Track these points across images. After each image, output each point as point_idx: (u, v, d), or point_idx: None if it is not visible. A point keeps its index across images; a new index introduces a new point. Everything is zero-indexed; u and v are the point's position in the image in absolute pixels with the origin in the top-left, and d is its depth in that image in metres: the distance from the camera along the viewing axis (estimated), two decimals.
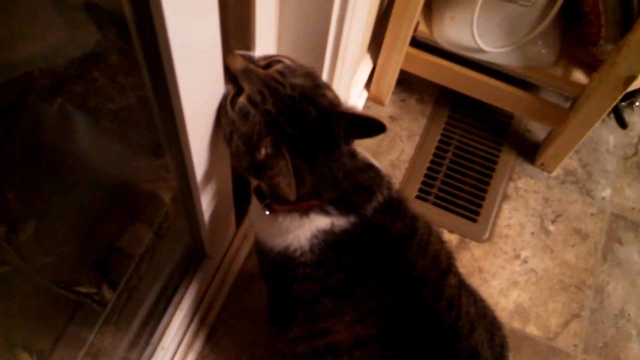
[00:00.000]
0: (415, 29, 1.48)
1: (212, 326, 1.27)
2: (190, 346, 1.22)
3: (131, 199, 1.23)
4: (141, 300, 1.15)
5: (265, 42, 0.91)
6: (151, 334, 1.13)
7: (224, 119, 0.81)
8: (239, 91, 0.79)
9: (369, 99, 1.66)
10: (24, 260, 1.06)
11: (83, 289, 1.14)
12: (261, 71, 0.80)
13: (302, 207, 0.85)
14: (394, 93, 1.67)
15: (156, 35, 0.61)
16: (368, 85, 1.64)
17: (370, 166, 0.90)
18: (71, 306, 1.14)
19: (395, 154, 1.59)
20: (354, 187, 0.86)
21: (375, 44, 1.59)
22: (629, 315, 1.43)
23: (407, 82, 1.68)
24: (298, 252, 0.86)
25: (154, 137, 0.97)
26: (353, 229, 0.85)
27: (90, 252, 1.18)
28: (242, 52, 0.82)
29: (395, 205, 0.89)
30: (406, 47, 1.48)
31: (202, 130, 0.82)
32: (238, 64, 0.79)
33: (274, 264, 0.92)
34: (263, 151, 0.78)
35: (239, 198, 1.23)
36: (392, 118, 1.65)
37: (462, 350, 0.86)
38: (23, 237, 1.06)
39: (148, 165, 1.21)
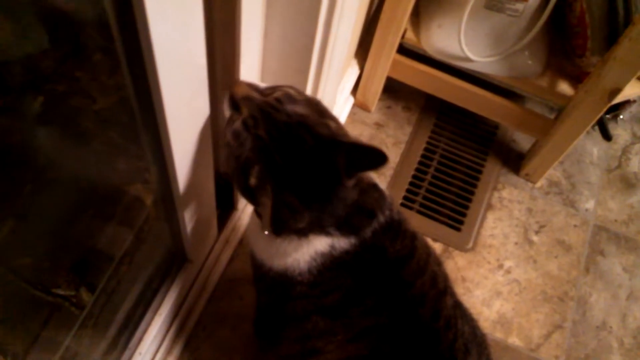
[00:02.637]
0: (403, 36, 1.48)
1: (191, 332, 1.25)
2: (168, 352, 1.20)
3: (112, 200, 1.21)
4: (119, 304, 1.13)
5: (251, 46, 0.90)
6: (129, 339, 1.11)
7: (223, 141, 0.82)
8: (237, 116, 0.79)
9: (355, 105, 1.66)
10: None
11: (61, 291, 1.12)
12: (259, 97, 0.79)
13: (302, 230, 0.83)
14: (380, 100, 1.67)
15: (141, 50, 0.61)
16: (354, 91, 1.63)
17: (374, 186, 0.88)
18: (48, 309, 1.11)
19: None
20: (357, 209, 0.83)
21: (362, 50, 1.59)
22: (610, 327, 1.43)
23: (393, 89, 1.68)
24: (296, 273, 0.85)
25: (136, 139, 0.96)
26: (353, 249, 0.83)
27: (69, 253, 1.16)
28: (248, 81, 0.82)
29: (396, 227, 0.88)
30: (393, 54, 1.48)
31: (185, 137, 0.81)
32: (241, 91, 0.79)
33: (271, 282, 0.90)
34: (252, 180, 0.77)
35: (222, 202, 1.21)
36: (378, 125, 1.64)
37: None
38: None
39: (130, 167, 1.19)
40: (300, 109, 0.79)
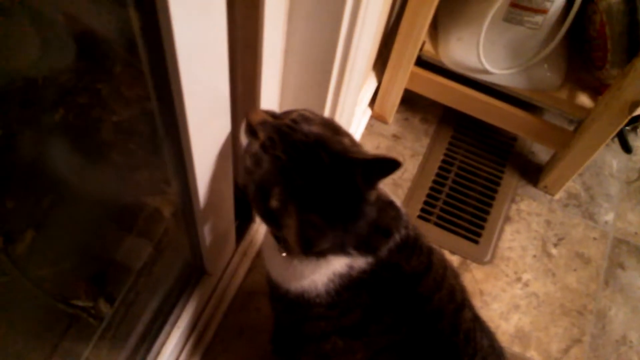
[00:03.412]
0: (421, 49, 1.48)
1: (208, 345, 1.25)
2: None
3: (131, 212, 1.21)
4: (138, 316, 1.13)
5: (272, 62, 0.90)
6: (147, 351, 1.12)
7: (242, 167, 0.82)
8: (255, 141, 0.80)
9: (372, 117, 1.66)
10: (20, 272, 1.05)
11: (80, 303, 1.13)
12: (275, 120, 0.80)
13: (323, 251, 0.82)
14: (397, 112, 1.66)
15: (167, 69, 0.61)
16: (372, 103, 1.63)
17: (390, 204, 0.87)
18: (67, 320, 1.12)
19: (398, 173, 1.58)
20: (374, 228, 0.82)
21: (381, 63, 1.59)
22: (630, 341, 1.42)
23: (411, 101, 1.67)
24: (314, 294, 0.84)
25: (157, 152, 0.96)
26: (370, 269, 0.82)
27: (88, 264, 1.17)
28: (264, 109, 0.83)
29: (412, 243, 0.87)
30: (411, 67, 1.48)
31: (206, 153, 0.82)
32: (258, 117, 0.80)
33: (288, 304, 0.89)
34: (273, 203, 0.77)
35: (240, 214, 1.22)
36: (395, 137, 1.64)
37: None
38: (20, 248, 1.04)
39: (149, 178, 1.20)
40: (315, 128, 0.79)
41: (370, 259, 0.82)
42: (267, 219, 0.81)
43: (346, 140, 0.80)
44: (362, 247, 0.82)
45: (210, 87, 0.72)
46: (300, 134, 0.78)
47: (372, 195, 0.80)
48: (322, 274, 0.82)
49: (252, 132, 0.80)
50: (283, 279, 0.89)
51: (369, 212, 0.80)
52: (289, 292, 0.87)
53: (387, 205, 0.86)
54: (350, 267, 0.82)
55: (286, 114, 0.82)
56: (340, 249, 0.81)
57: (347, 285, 0.83)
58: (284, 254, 0.86)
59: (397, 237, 0.84)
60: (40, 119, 1.04)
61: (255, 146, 0.79)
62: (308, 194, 0.76)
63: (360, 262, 0.82)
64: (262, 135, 0.79)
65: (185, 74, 0.62)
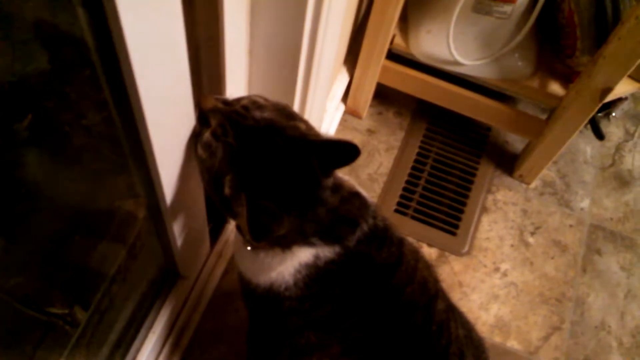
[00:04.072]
0: (392, 42, 1.47)
1: (186, 349, 1.23)
2: None
3: (103, 217, 1.19)
4: (113, 322, 1.11)
5: (236, 59, 0.89)
6: (123, 358, 1.10)
7: (195, 156, 0.81)
8: (206, 129, 0.79)
9: (346, 112, 1.65)
10: None
11: (55, 310, 1.11)
12: (226, 107, 0.79)
13: (284, 241, 0.82)
14: (371, 106, 1.66)
15: (119, 64, 0.60)
16: (345, 98, 1.62)
17: (356, 195, 0.87)
18: (42, 328, 1.10)
19: (374, 168, 1.58)
20: (338, 218, 0.82)
21: (352, 57, 1.58)
22: (609, 327, 1.42)
23: (384, 95, 1.67)
24: (283, 287, 0.83)
25: (123, 154, 0.95)
26: (338, 259, 0.82)
27: (62, 271, 1.15)
28: (216, 95, 0.82)
29: (381, 234, 0.86)
30: (382, 60, 1.47)
31: (171, 154, 0.80)
32: (209, 104, 0.79)
33: (260, 300, 0.89)
34: (227, 190, 0.77)
35: (213, 216, 1.20)
36: (370, 131, 1.64)
37: None
38: None
39: (121, 182, 1.18)
40: (267, 114, 0.79)
41: (337, 249, 0.82)
42: (224, 208, 0.81)
43: (302, 125, 0.80)
44: (327, 237, 0.81)
45: (169, 84, 0.70)
46: (251, 120, 0.77)
47: (329, 182, 0.80)
48: (288, 265, 0.82)
49: (204, 119, 0.80)
50: (252, 273, 0.88)
51: (327, 199, 0.80)
52: (259, 287, 0.87)
53: (352, 195, 0.86)
54: (317, 257, 0.81)
55: (237, 100, 0.81)
56: (301, 238, 0.80)
57: (316, 277, 0.82)
58: (248, 248, 0.86)
59: (364, 227, 0.84)
60: (7, 125, 1.01)
61: (207, 134, 0.78)
62: (260, 181, 0.76)
63: (326, 252, 0.81)
64: (213, 122, 0.78)
65: (138, 66, 0.60)
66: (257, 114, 0.78)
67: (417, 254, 0.90)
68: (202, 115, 0.80)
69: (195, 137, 0.81)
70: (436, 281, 0.91)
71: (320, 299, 0.83)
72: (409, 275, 0.86)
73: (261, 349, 0.96)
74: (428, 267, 0.91)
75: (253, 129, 0.77)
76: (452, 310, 0.92)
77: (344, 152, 0.77)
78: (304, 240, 0.81)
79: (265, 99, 0.82)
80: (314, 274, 0.82)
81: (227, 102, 0.81)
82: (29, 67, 0.96)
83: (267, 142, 0.77)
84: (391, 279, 0.84)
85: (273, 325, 0.89)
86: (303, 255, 0.82)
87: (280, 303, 0.85)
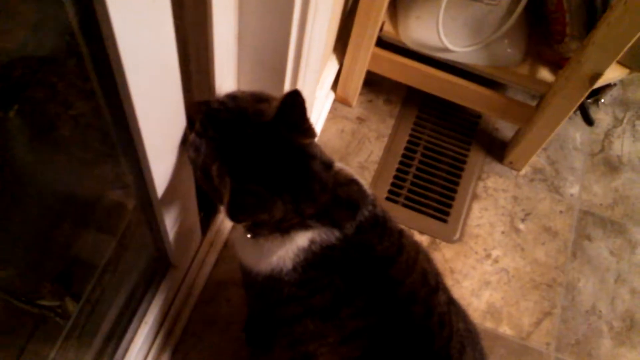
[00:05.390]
0: (381, 29, 1.47)
1: (179, 338, 1.23)
2: None
3: (92, 207, 1.19)
4: (105, 313, 1.11)
5: (225, 48, 0.88)
6: (115, 349, 1.10)
7: (188, 161, 0.86)
8: (192, 132, 0.84)
9: (335, 100, 1.64)
10: None
11: (45, 302, 1.10)
12: (206, 107, 0.83)
13: (283, 226, 0.83)
14: (361, 94, 1.65)
15: (107, 52, 0.59)
16: (335, 86, 1.62)
17: (353, 181, 0.88)
18: (32, 320, 1.10)
19: (364, 156, 1.58)
20: (336, 201, 0.84)
21: (341, 45, 1.57)
22: (599, 311, 1.44)
23: (374, 83, 1.66)
24: (283, 272, 0.85)
25: (112, 144, 0.94)
26: (338, 244, 0.83)
27: (52, 263, 1.14)
28: (199, 99, 0.88)
29: (381, 223, 0.87)
30: (372, 48, 1.46)
31: (160, 141, 0.80)
32: (192, 109, 0.84)
33: (260, 288, 0.90)
34: (215, 180, 0.80)
35: (204, 205, 1.20)
36: (360, 119, 1.63)
37: None
38: None
39: (110, 172, 1.17)
40: (241, 104, 0.83)
41: (337, 234, 0.83)
42: (218, 200, 0.84)
43: (264, 106, 0.82)
44: (325, 220, 0.82)
45: (158, 72, 0.70)
46: (225, 113, 0.81)
47: (313, 147, 0.83)
48: (288, 249, 0.83)
49: (191, 124, 0.84)
50: (253, 262, 0.89)
51: (318, 170, 0.82)
52: (260, 274, 0.88)
53: (350, 181, 0.87)
54: (314, 242, 0.83)
55: (217, 98, 0.86)
56: (299, 220, 0.82)
57: (315, 261, 0.83)
58: (249, 236, 0.87)
59: (365, 212, 0.85)
60: None
61: (192, 136, 0.82)
62: (243, 166, 0.79)
63: (324, 235, 0.83)
64: (197, 124, 0.82)
65: (126, 54, 0.59)
66: (232, 104, 0.83)
67: (417, 246, 0.91)
68: (190, 121, 0.84)
69: (184, 142, 0.86)
70: (437, 274, 0.91)
71: (319, 285, 0.84)
72: (409, 267, 0.86)
73: (259, 337, 0.96)
74: (429, 260, 0.92)
75: (228, 120, 0.81)
76: (453, 303, 0.92)
77: (292, 104, 0.80)
78: (302, 223, 0.82)
79: (243, 92, 0.86)
80: (312, 258, 0.83)
81: (207, 102, 0.85)
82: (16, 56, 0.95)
83: (241, 129, 0.80)
84: (391, 270, 0.85)
85: (272, 313, 0.90)
86: (301, 239, 0.83)
87: (280, 289, 0.85)
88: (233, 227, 0.96)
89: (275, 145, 0.80)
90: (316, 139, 0.85)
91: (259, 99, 0.84)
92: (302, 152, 0.81)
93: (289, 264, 0.83)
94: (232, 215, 0.78)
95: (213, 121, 0.81)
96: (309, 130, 0.83)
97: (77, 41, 0.64)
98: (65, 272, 1.15)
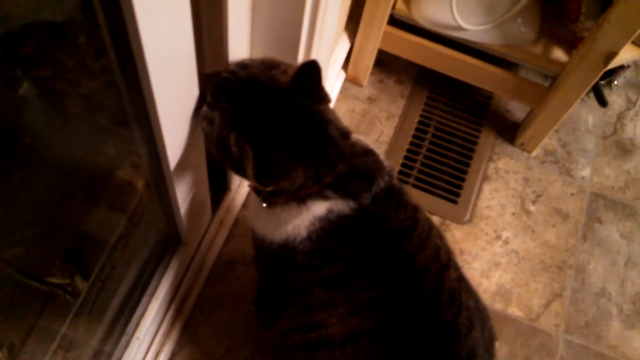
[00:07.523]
0: (393, 7, 1.45)
1: (189, 315, 1.23)
2: (166, 336, 1.18)
3: (103, 186, 1.19)
4: (115, 290, 1.11)
5: (239, 20, 0.87)
6: (126, 325, 1.10)
7: (202, 134, 0.87)
8: (204, 104, 0.83)
9: (346, 79, 1.63)
10: None
11: (55, 280, 1.11)
12: (215, 78, 0.83)
13: (300, 195, 0.83)
14: (372, 74, 1.64)
15: (127, 30, 0.60)
16: (345, 66, 1.60)
17: (370, 152, 0.88)
18: (43, 298, 1.10)
19: (375, 136, 1.57)
20: (352, 171, 0.83)
21: (353, 23, 1.55)
22: (609, 294, 1.43)
23: (385, 62, 1.65)
24: (297, 241, 0.84)
25: (125, 122, 0.94)
26: (353, 215, 0.82)
27: (62, 241, 1.14)
28: (210, 71, 0.86)
29: (397, 195, 0.87)
30: (384, 26, 1.45)
31: (174, 117, 0.80)
32: (204, 81, 0.84)
33: (274, 257, 0.90)
34: (233, 149, 0.80)
35: (215, 184, 1.19)
36: (371, 99, 1.62)
37: (460, 350, 0.84)
38: None
39: (119, 151, 1.17)
40: (252, 71, 0.82)
41: (352, 204, 0.82)
42: (236, 169, 0.85)
43: (275, 72, 0.82)
44: (342, 190, 0.82)
45: (174, 46, 0.69)
46: (236, 82, 0.81)
47: (329, 113, 0.83)
48: (304, 218, 0.83)
49: (203, 97, 0.84)
50: (268, 230, 0.89)
51: (335, 135, 0.82)
52: (273, 243, 0.88)
53: (366, 151, 0.87)
54: (330, 211, 0.82)
55: (226, 68, 0.86)
56: (317, 187, 0.82)
57: (329, 231, 0.83)
58: (264, 205, 0.87)
59: (381, 183, 0.84)
60: (5, 93, 1.00)
61: (204, 108, 0.82)
62: (261, 132, 0.79)
63: (340, 206, 0.82)
64: (208, 96, 0.82)
65: (144, 27, 0.59)
66: (242, 73, 0.82)
67: (430, 223, 0.91)
68: (202, 94, 0.84)
69: (196, 116, 0.85)
70: (449, 252, 0.91)
71: (332, 255, 0.84)
72: (422, 242, 0.86)
73: (270, 306, 0.96)
74: (441, 237, 0.92)
75: (240, 89, 0.80)
76: (464, 281, 0.92)
77: (309, 73, 0.79)
78: (319, 192, 0.82)
79: (253, 59, 0.86)
80: (327, 228, 0.83)
81: (217, 73, 0.84)
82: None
83: (254, 98, 0.80)
84: (404, 244, 0.84)
85: (284, 283, 0.90)
86: (317, 208, 0.82)
87: (293, 257, 0.85)
88: (247, 196, 0.96)
89: (291, 111, 0.80)
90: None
91: (269, 65, 0.84)
92: (318, 117, 0.81)
93: (303, 233, 0.83)
94: (259, 180, 0.78)
95: (225, 92, 0.81)
96: (325, 98, 0.82)
97: (94, 9, 0.63)
98: (75, 250, 1.15)
